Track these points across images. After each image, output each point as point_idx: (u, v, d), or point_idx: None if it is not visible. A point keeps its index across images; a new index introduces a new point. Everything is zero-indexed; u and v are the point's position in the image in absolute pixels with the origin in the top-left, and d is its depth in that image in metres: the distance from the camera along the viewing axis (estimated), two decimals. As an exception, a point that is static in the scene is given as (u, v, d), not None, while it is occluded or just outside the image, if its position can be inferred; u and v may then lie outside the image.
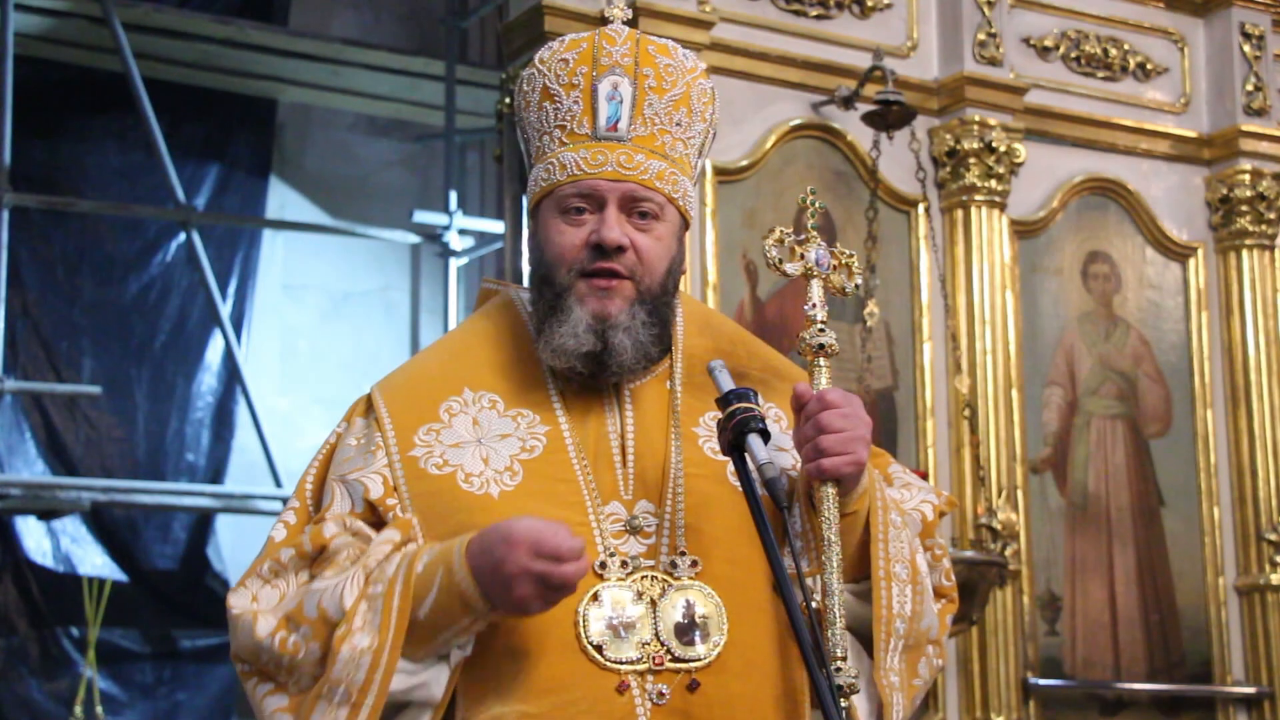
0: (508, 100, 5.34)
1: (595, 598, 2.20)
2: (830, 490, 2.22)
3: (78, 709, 7.28)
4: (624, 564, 2.24)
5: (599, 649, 2.18)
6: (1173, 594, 5.89)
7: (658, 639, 2.20)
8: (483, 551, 2.11)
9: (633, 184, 2.32)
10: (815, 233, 2.37)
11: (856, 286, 2.38)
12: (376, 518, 2.26)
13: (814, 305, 2.31)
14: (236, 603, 2.23)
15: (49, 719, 7.74)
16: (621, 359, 2.31)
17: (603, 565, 2.23)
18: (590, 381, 2.35)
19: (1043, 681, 5.56)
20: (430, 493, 2.26)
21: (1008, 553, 5.37)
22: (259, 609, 2.21)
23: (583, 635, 2.19)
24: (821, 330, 2.29)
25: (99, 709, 7.27)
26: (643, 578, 2.24)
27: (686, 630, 2.22)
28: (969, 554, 5.10)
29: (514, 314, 2.46)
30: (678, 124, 2.38)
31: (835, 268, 2.36)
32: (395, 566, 2.16)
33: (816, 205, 2.41)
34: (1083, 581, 5.74)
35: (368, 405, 2.38)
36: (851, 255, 2.38)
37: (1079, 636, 5.70)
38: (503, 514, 2.19)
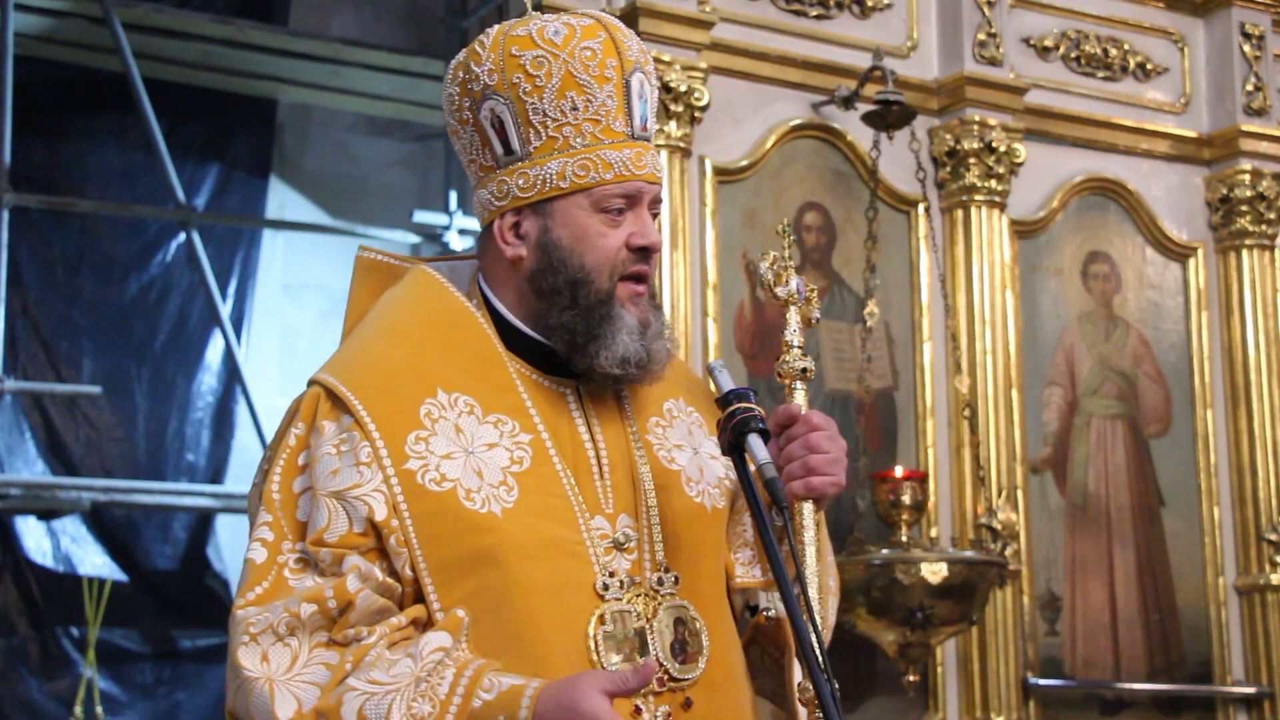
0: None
1: (601, 620, 2.18)
2: (809, 507, 2.26)
3: (78, 709, 7.27)
4: (621, 584, 2.22)
5: None
6: (1173, 594, 5.89)
7: (658, 660, 2.20)
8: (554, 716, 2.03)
9: (659, 186, 2.31)
10: (793, 263, 2.40)
11: (817, 320, 2.41)
12: (379, 540, 2.17)
13: (793, 331, 2.36)
14: (249, 664, 2.13)
15: (49, 719, 7.74)
16: (658, 366, 2.29)
17: (604, 587, 2.20)
18: (548, 380, 2.31)
19: (1043, 681, 5.55)
20: (432, 513, 2.17)
21: (1008, 553, 5.37)
22: (274, 677, 2.11)
23: (599, 664, 2.16)
24: (803, 354, 2.34)
25: (99, 709, 7.26)
26: (636, 596, 2.22)
27: (679, 649, 2.22)
28: (969, 554, 5.10)
29: (450, 299, 2.35)
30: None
31: (808, 300, 2.39)
32: (449, 689, 2.06)
33: (791, 237, 2.44)
34: (1083, 581, 5.74)
35: (333, 404, 2.22)
36: (814, 289, 2.41)
37: (1079, 636, 5.70)
38: (509, 534, 2.16)
